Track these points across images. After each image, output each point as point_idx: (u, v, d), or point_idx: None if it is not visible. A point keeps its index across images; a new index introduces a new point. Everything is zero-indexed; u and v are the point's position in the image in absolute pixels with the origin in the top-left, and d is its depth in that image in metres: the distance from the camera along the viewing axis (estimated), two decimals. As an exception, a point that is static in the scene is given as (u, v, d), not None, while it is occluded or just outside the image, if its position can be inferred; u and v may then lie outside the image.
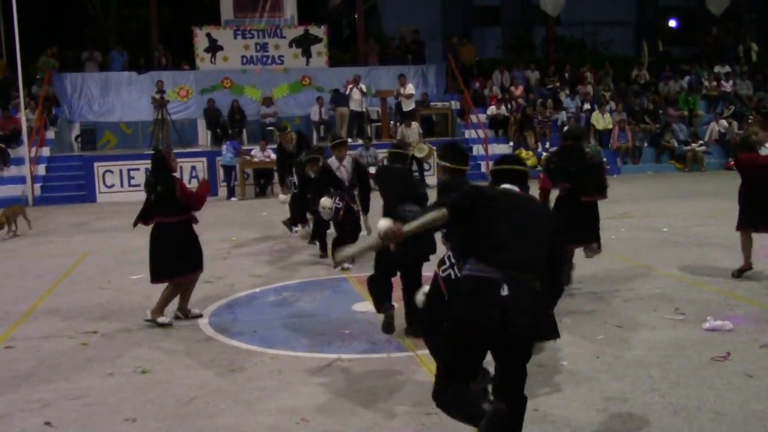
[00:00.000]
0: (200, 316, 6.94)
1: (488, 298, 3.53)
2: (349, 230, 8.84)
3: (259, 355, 5.82)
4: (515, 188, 3.99)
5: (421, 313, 5.08)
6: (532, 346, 3.69)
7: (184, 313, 6.93)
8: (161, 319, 6.69)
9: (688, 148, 20.31)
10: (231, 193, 17.65)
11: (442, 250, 5.18)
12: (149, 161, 7.11)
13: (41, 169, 18.14)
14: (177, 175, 6.89)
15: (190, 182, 17.97)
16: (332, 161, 8.99)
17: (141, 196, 7.11)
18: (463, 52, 22.84)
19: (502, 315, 3.50)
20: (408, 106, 19.80)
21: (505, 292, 3.52)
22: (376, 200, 6.88)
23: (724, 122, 21.11)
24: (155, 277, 6.72)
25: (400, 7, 32.88)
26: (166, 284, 6.75)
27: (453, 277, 4.74)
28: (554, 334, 3.86)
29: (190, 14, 25.72)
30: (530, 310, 3.56)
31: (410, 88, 20.02)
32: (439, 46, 28.63)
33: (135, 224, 6.88)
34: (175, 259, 6.65)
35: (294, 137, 11.47)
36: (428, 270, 5.60)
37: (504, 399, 3.65)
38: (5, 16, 20.01)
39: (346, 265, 8.65)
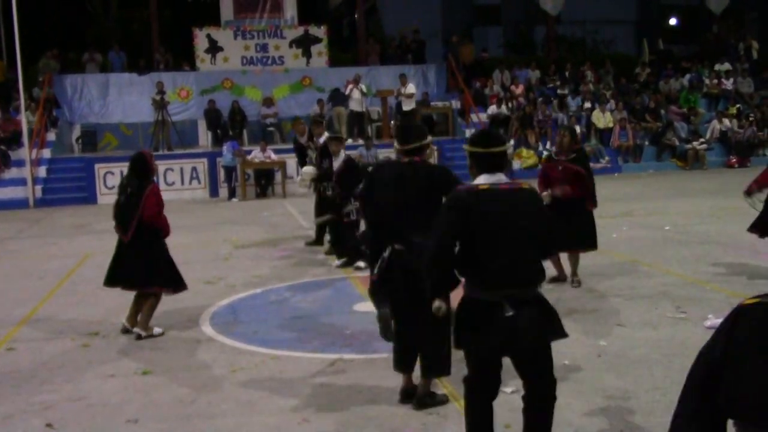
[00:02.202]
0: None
1: (492, 322, 3.51)
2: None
3: (260, 355, 5.82)
4: (500, 177, 3.67)
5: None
6: (546, 351, 3.68)
7: (131, 324, 6.52)
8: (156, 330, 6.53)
9: (690, 146, 20.30)
10: (232, 193, 17.65)
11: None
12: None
13: (42, 171, 18.16)
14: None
15: (191, 183, 18.02)
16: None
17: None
18: (463, 51, 22.86)
19: (510, 335, 3.49)
20: (408, 105, 19.79)
21: (509, 312, 3.47)
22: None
23: (727, 121, 21.09)
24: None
25: (401, 7, 32.87)
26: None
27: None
28: (562, 334, 3.79)
29: (190, 15, 25.71)
30: (537, 325, 3.54)
31: (411, 88, 20.02)
32: (439, 46, 28.65)
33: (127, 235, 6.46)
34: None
35: (306, 129, 11.39)
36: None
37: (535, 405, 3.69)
38: (6, 18, 20.02)
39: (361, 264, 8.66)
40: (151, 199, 6.35)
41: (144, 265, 6.39)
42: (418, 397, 4.62)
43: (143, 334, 6.37)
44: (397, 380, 5.13)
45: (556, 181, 7.45)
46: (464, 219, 3.52)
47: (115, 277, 6.52)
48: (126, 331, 6.52)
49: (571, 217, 7.28)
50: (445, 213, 3.66)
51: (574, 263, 7.65)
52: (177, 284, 6.57)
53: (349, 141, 16.77)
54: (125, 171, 6.89)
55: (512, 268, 3.50)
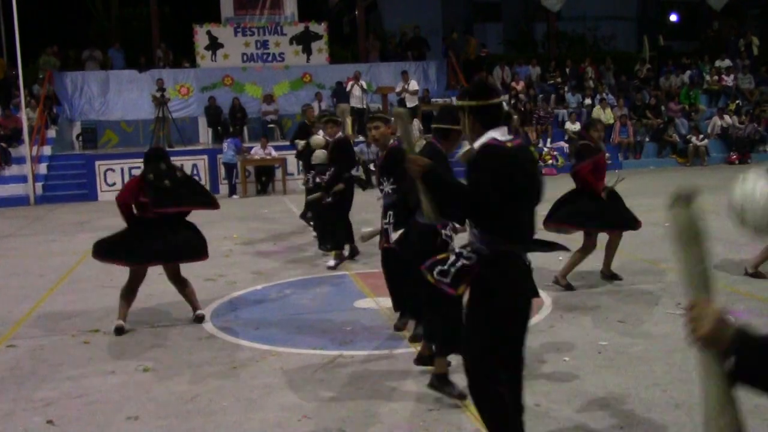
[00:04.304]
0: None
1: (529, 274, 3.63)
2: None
3: (260, 352, 5.82)
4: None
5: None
6: None
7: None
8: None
9: (690, 143, 20.29)
10: (232, 190, 17.65)
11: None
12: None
13: (43, 168, 18.17)
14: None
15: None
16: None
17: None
18: (468, 46, 22.94)
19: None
20: (412, 102, 19.82)
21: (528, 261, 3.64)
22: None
23: (727, 117, 21.07)
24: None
25: (401, 4, 32.82)
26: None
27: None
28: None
29: (190, 12, 25.69)
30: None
31: (414, 85, 20.04)
32: (439, 42, 28.61)
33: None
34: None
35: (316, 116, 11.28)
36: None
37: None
38: (6, 15, 20.01)
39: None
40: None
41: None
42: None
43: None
44: (397, 377, 5.15)
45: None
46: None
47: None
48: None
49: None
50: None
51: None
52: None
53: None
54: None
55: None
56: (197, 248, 6.69)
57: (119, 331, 6.44)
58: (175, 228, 6.57)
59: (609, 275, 7.75)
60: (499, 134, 3.53)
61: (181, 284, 6.77)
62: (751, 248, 8.57)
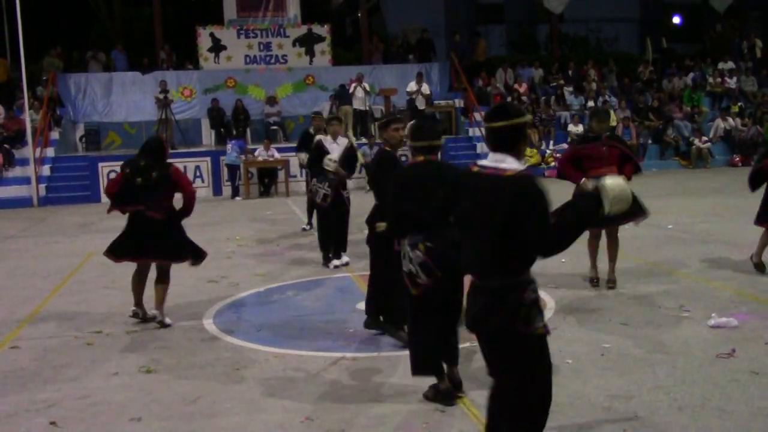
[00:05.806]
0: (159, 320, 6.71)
1: None
2: (335, 221, 8.94)
3: (263, 354, 5.82)
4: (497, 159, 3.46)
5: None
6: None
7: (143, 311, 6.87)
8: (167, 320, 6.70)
9: (693, 145, 20.27)
10: (235, 192, 17.68)
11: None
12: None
13: (46, 170, 18.20)
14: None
15: (194, 181, 18.01)
16: (326, 138, 9.19)
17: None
18: (477, 48, 23.01)
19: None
20: (422, 104, 19.85)
21: None
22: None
23: (730, 119, 21.05)
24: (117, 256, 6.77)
25: (404, 6, 32.80)
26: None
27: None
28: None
29: (193, 14, 25.73)
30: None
31: (426, 88, 20.07)
32: (442, 44, 28.61)
33: (109, 211, 6.83)
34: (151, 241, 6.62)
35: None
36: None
37: None
38: (9, 17, 20.04)
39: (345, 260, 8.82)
40: (185, 178, 6.96)
41: (176, 240, 6.73)
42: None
43: (166, 320, 6.65)
44: (400, 379, 5.14)
45: (599, 162, 7.12)
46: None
47: (143, 251, 6.65)
48: (143, 319, 6.77)
49: None
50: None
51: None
52: (200, 255, 6.88)
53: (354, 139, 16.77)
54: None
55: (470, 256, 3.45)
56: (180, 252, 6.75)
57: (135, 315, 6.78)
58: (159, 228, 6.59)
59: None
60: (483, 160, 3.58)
61: (163, 282, 6.74)
62: (753, 248, 8.55)
